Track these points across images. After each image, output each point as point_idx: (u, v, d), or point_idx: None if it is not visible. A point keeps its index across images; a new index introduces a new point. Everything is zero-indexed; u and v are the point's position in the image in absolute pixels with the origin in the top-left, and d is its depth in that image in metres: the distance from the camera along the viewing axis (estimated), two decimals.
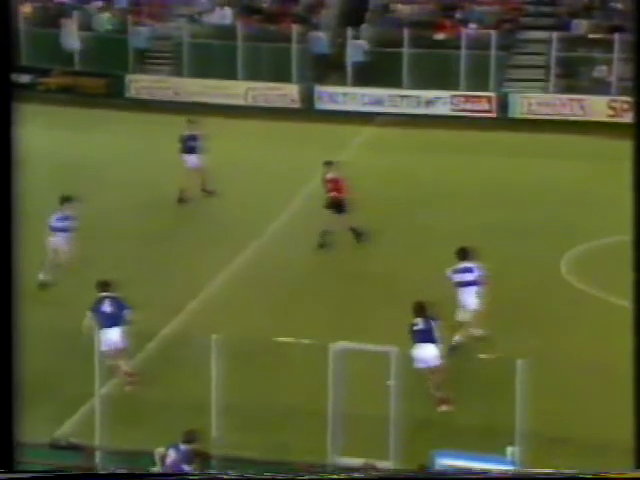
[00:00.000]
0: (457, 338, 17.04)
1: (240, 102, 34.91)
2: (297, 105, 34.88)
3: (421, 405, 15.09)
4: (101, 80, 35.81)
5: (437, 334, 15.55)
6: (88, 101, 34.50)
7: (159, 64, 36.76)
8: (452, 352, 16.43)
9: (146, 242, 22.20)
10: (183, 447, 13.04)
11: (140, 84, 35.79)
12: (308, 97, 34.90)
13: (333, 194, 22.03)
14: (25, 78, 35.37)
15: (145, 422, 14.87)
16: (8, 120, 3.92)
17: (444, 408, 15.45)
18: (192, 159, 25.39)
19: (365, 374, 14.87)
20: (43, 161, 23.27)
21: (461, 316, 17.22)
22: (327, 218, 21.92)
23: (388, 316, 17.87)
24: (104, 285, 16.17)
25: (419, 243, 22.37)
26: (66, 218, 19.74)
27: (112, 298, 16.09)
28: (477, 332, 17.31)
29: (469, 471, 11.28)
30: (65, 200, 19.91)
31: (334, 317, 18.58)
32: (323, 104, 34.82)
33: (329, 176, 22.38)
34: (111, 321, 15.82)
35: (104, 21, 37.27)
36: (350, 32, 35.28)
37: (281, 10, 37.07)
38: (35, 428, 14.11)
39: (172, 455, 12.94)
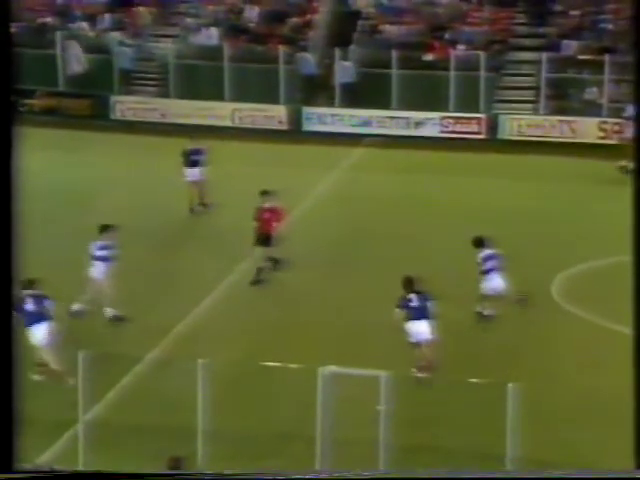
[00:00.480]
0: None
1: (227, 123, 34.98)
2: (285, 126, 34.97)
3: (411, 430, 15.05)
4: (86, 101, 35.86)
5: (431, 310, 16.76)
6: (73, 123, 34.53)
7: (144, 85, 36.83)
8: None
9: (131, 265, 22.20)
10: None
11: (125, 105, 35.85)
12: (296, 118, 34.99)
13: (261, 227, 21.33)
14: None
15: (130, 448, 14.79)
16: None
17: (423, 374, 16.06)
18: (194, 172, 25.94)
19: (354, 399, 14.84)
20: (29, 183, 23.16)
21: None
22: (258, 253, 21.33)
23: (382, 340, 17.89)
24: (28, 283, 16.01)
25: (407, 262, 22.38)
26: (106, 247, 19.40)
27: (35, 296, 16.32)
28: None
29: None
30: (105, 229, 19.59)
31: (323, 341, 18.58)
32: (311, 125, 34.91)
33: (266, 206, 21.72)
34: (35, 318, 16.09)
35: (113, 41, 36.86)
36: (338, 53, 35.43)
37: (268, 31, 37.20)
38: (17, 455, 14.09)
39: None
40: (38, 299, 16.38)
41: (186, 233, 25.08)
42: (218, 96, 35.38)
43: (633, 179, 4.28)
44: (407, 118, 34.26)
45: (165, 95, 36.09)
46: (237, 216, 25.73)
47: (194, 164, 26.00)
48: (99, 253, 19.49)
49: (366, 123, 34.60)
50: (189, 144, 26.40)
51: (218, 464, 14.13)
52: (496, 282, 18.94)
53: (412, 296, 16.74)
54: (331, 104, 35.47)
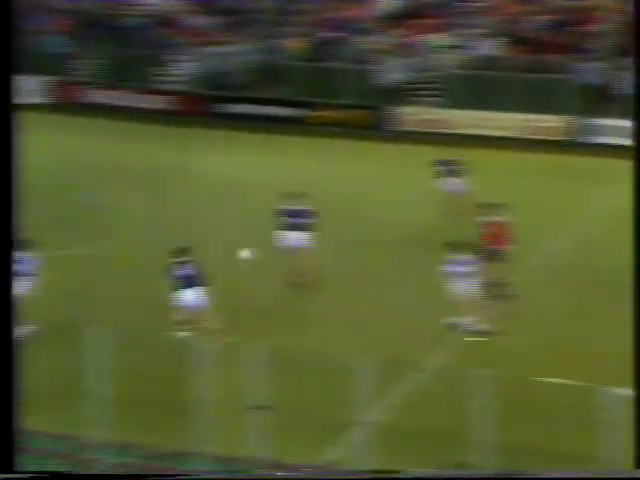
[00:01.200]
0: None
1: (508, 134, 34.71)
2: (565, 137, 34.29)
3: None
4: (364, 112, 36.60)
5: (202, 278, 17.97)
6: (351, 133, 35.35)
7: (421, 95, 37.14)
8: None
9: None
10: None
11: (404, 116, 36.28)
12: (577, 129, 34.23)
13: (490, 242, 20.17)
14: (289, 111, 36.79)
15: (409, 452, 14.93)
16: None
17: None
18: (451, 183, 25.59)
19: None
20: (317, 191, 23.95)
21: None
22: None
23: None
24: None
25: None
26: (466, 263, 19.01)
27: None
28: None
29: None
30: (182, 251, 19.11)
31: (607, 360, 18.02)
32: (593, 136, 34.03)
33: (493, 219, 20.65)
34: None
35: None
36: (623, 62, 34.33)
37: (549, 40, 36.63)
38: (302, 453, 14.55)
39: None
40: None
41: None
42: (499, 106, 35.16)
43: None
44: None
45: (443, 105, 36.25)
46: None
47: (451, 174, 25.63)
48: (459, 269, 18.92)
49: None
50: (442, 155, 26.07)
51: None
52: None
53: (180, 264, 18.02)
54: (614, 115, 34.42)
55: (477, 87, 35.88)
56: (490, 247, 20.30)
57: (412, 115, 36.25)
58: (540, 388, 16.40)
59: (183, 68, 39.12)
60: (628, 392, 13.46)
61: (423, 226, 25.42)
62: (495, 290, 20.09)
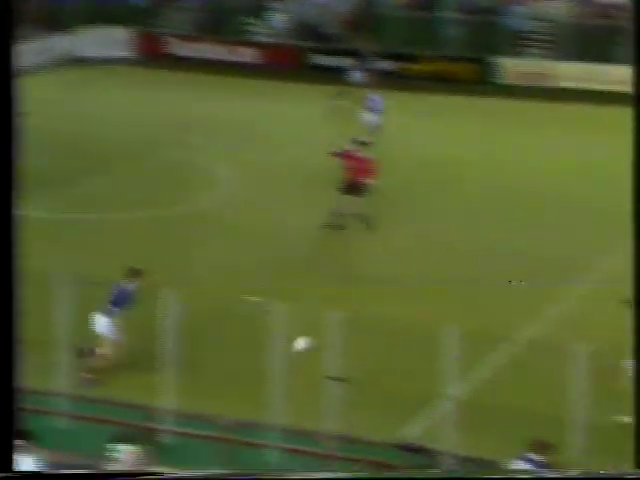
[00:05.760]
0: None
1: (620, 88, 33.83)
2: None
3: None
4: (470, 65, 36.04)
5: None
6: (456, 88, 34.82)
7: (534, 46, 36.43)
8: None
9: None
10: (534, 457, 12.85)
11: (514, 69, 35.65)
12: None
13: (349, 175, 22.00)
14: (390, 65, 36.46)
15: (494, 429, 14.79)
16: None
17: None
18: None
19: None
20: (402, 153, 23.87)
21: None
22: (340, 199, 21.92)
23: None
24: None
25: None
26: None
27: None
28: None
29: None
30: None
31: None
32: None
33: (357, 154, 22.27)
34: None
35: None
36: None
37: None
38: (381, 427, 14.54)
39: (521, 465, 12.80)
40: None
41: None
42: (612, 58, 34.30)
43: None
44: None
45: (554, 57, 35.51)
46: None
47: None
48: None
49: None
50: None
51: (586, 457, 13.80)
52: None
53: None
54: None
55: (588, 39, 35.03)
56: (354, 181, 22.07)
57: (520, 68, 35.60)
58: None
59: (276, 19, 39.12)
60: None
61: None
62: (356, 222, 21.87)
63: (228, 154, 27.62)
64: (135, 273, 16.33)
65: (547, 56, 35.83)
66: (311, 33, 38.54)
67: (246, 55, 38.07)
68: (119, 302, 16.24)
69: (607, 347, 15.02)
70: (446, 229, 22.93)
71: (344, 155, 22.60)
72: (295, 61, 37.63)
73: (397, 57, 36.55)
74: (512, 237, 22.41)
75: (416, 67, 36.29)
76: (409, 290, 19.42)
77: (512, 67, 35.64)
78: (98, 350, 16.21)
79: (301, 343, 14.98)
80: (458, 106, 33.26)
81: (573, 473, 3.86)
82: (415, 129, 30.13)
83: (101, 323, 16.22)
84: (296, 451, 14.51)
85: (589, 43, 34.99)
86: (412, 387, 15.80)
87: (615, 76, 34.08)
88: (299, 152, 28.08)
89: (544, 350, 16.14)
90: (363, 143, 23.01)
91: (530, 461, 12.78)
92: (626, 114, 30.05)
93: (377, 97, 28.84)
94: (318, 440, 14.49)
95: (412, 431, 14.98)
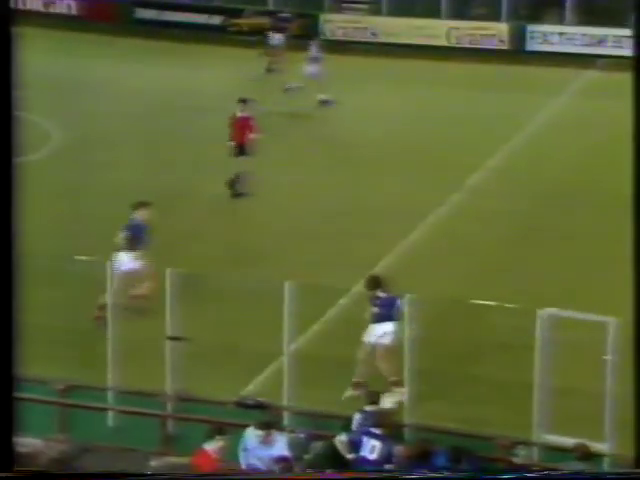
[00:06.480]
0: None
1: (442, 43, 34.57)
2: (506, 46, 34.28)
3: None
4: (295, 21, 36.09)
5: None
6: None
7: (356, 2, 36.77)
8: None
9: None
10: (369, 409, 13.19)
11: (336, 24, 35.93)
12: (519, 37, 34.22)
13: (235, 137, 21.81)
14: (216, 19, 36.21)
15: (333, 381, 15.08)
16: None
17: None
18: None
19: (578, 345, 14.57)
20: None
21: None
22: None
23: (605, 281, 17.48)
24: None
25: None
26: None
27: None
28: None
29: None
30: None
31: (543, 281, 18.30)
32: (536, 45, 34.07)
33: (239, 115, 22.09)
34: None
35: None
36: None
37: None
38: (222, 386, 14.63)
39: (357, 418, 13.12)
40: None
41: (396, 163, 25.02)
42: (433, 13, 34.97)
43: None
44: None
45: (377, 13, 35.96)
46: (453, 144, 25.56)
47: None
48: None
49: (600, 42, 33.45)
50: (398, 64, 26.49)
51: (426, 406, 14.24)
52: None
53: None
54: (559, 21, 34.46)
55: None
56: (237, 141, 21.86)
57: (341, 23, 35.90)
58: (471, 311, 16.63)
59: None
60: None
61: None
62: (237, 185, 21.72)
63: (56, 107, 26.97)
64: (142, 205, 17.33)
65: (370, 11, 36.26)
66: None
67: (63, 7, 37.10)
68: (136, 236, 16.98)
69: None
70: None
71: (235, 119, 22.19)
72: (117, 15, 36.86)
73: (222, 11, 36.31)
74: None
75: (241, 22, 36.13)
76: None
77: (336, 22, 35.91)
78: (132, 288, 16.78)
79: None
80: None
81: (573, 473, 4.01)
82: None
83: (126, 261, 16.74)
84: (135, 413, 14.44)
85: None
86: (252, 343, 15.92)
87: (436, 30, 34.80)
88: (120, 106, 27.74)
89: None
90: (243, 101, 22.47)
91: (363, 412, 13.13)
92: (446, 67, 30.66)
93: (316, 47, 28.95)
94: (157, 401, 14.47)
95: (252, 388, 15.13)
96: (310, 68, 28.27)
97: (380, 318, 15.09)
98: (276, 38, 31.40)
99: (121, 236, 17.04)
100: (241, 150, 21.96)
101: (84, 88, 28.93)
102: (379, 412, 13.14)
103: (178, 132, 25.99)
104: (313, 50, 28.82)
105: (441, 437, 13.24)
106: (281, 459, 12.37)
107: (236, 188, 21.92)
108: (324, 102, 27.87)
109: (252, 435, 12.76)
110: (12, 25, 3.95)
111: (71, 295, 17.08)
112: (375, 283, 15.37)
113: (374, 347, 15.10)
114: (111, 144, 25.09)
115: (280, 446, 12.70)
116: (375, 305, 15.16)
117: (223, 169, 22.09)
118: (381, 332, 15.05)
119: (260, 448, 12.66)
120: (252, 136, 21.94)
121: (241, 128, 22.01)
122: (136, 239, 17.05)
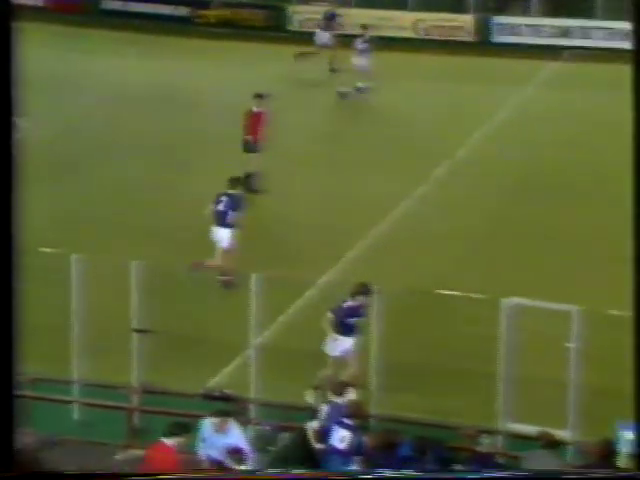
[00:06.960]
0: None
1: (409, 35, 34.68)
2: (472, 38, 34.43)
3: (604, 371, 14.79)
4: (262, 12, 36.13)
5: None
6: (247, 34, 34.87)
7: None
8: None
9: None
10: (337, 400, 13.22)
11: (303, 16, 35.94)
12: (485, 29, 34.38)
13: (247, 132, 21.38)
14: (183, 11, 36.14)
15: (300, 375, 15.13)
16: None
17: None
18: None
19: (542, 334, 14.70)
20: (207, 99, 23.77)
21: None
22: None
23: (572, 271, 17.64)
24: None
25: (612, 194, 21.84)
26: None
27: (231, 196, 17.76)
28: None
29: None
30: None
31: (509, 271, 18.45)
32: (502, 36, 34.25)
33: (255, 110, 21.57)
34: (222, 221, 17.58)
35: None
36: None
37: None
38: (188, 378, 14.67)
39: (326, 409, 13.15)
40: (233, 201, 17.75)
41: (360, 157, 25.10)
42: (400, 5, 35.06)
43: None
44: (612, 28, 33.11)
45: (345, 4, 35.98)
46: (422, 136, 25.67)
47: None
48: None
49: (565, 34, 33.66)
50: None
51: (393, 397, 14.32)
52: None
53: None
54: (525, 13, 34.65)
55: None
56: (247, 137, 21.53)
57: (310, 14, 35.91)
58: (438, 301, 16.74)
59: None
60: None
61: None
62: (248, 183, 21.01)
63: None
64: (236, 181, 18.23)
65: (338, 3, 36.27)
66: None
67: None
68: (234, 210, 17.71)
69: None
70: None
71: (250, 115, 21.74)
72: (83, 6, 36.71)
73: (188, 3, 36.25)
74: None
75: (208, 13, 36.11)
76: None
77: (305, 13, 35.94)
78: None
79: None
80: (250, 51, 33.40)
81: (573, 473, 4.01)
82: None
83: (222, 235, 17.64)
84: (100, 406, 14.45)
85: None
86: (219, 335, 15.96)
87: (402, 21, 34.90)
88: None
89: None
90: (259, 96, 21.90)
91: (331, 403, 13.16)
92: (412, 58, 30.74)
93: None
94: (123, 393, 14.49)
95: (218, 380, 15.17)
96: (358, 60, 28.32)
97: (346, 328, 14.93)
98: (325, 36, 30.95)
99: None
100: (253, 146, 21.47)
101: (51, 81, 28.84)
102: (351, 403, 13.17)
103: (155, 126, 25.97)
104: (359, 43, 28.67)
105: (407, 427, 13.33)
106: (234, 450, 12.10)
107: (250, 185, 21.09)
108: (359, 90, 27.94)
109: (208, 424, 12.71)
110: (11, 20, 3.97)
111: (34, 287, 17.02)
112: (365, 291, 14.90)
113: (340, 360, 15.03)
114: (85, 138, 25.05)
115: (235, 435, 12.53)
116: (345, 314, 14.95)
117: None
118: (348, 345, 14.95)
119: (215, 436, 12.54)
120: (265, 132, 21.44)
121: (255, 124, 21.49)
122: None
